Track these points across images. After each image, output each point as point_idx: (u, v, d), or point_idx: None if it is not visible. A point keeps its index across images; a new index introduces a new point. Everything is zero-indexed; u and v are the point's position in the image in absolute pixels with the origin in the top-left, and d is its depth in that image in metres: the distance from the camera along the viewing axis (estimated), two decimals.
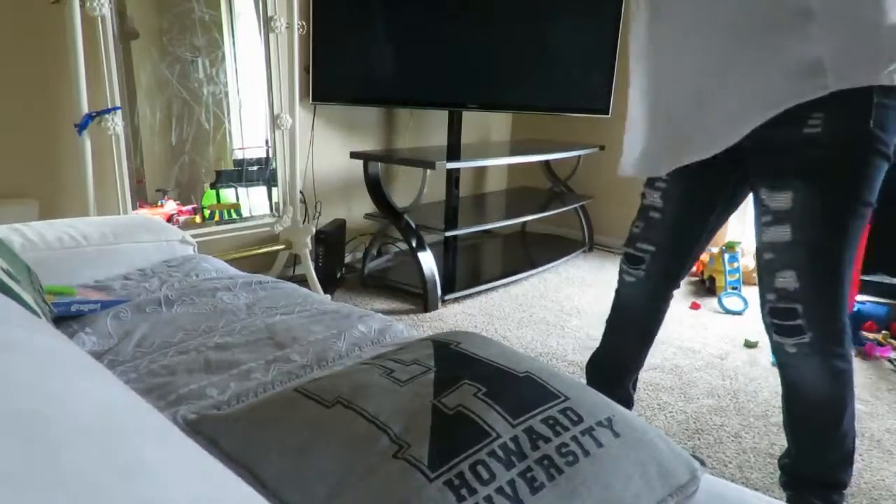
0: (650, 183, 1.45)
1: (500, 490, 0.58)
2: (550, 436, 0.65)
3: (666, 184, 1.41)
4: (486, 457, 0.61)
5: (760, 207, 1.26)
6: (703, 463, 0.74)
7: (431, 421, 0.66)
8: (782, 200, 1.20)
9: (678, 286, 1.53)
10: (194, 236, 1.71)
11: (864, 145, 1.12)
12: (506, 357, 0.80)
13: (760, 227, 1.26)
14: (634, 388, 1.71)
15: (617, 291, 1.59)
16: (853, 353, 1.27)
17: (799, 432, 1.36)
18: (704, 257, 3.17)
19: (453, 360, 0.78)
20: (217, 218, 2.43)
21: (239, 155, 2.51)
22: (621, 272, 1.55)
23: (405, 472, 0.60)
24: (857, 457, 1.42)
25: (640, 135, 1.40)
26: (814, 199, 1.17)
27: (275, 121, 2.51)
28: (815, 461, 1.34)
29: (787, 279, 1.21)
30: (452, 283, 2.91)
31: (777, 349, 1.29)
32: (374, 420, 0.66)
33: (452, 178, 3.18)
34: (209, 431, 0.75)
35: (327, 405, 0.70)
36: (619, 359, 1.64)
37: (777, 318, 1.25)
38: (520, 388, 0.72)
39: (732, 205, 1.45)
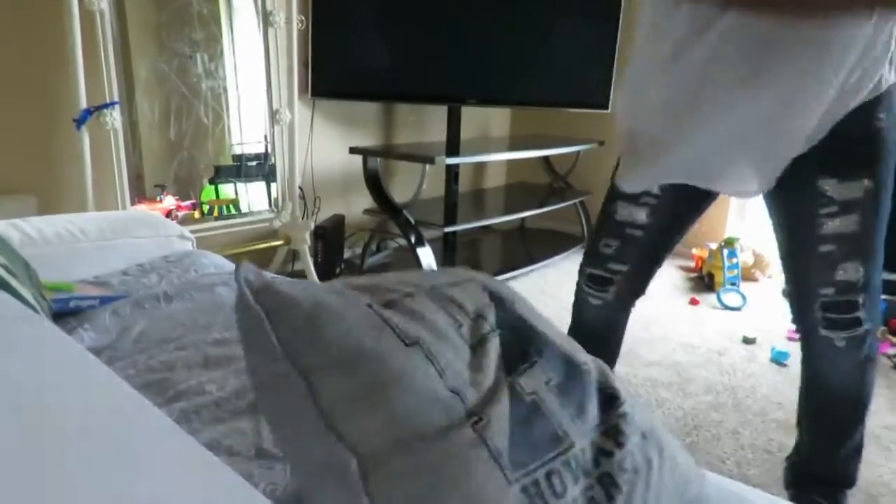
0: (632, 199, 1.34)
1: None
2: (613, 449, 0.60)
3: (657, 199, 1.32)
4: (561, 467, 0.56)
5: (820, 199, 1.20)
6: None
7: (510, 406, 0.57)
8: (855, 189, 1.17)
9: (645, 293, 1.46)
10: (193, 232, 1.71)
11: None
12: (562, 338, 0.69)
13: (818, 219, 1.20)
14: None
15: (578, 314, 1.49)
16: None
17: (819, 428, 1.35)
18: (703, 253, 3.17)
19: (515, 325, 0.66)
20: (216, 213, 2.43)
21: (238, 150, 2.51)
22: (585, 295, 1.44)
23: (486, 464, 0.52)
24: None
25: (676, 148, 1.26)
26: (878, 188, 1.18)
27: (274, 116, 2.51)
28: (830, 457, 1.34)
29: (851, 271, 1.19)
30: None
31: (820, 344, 1.24)
32: (450, 383, 0.55)
33: (452, 173, 3.17)
34: (269, 305, 0.57)
35: (406, 343, 0.56)
36: None
37: (833, 313, 1.21)
38: (584, 385, 0.64)
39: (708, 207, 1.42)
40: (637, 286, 1.43)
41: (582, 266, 1.46)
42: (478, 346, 0.59)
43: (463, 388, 0.54)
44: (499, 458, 0.51)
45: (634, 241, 1.36)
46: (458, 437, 0.51)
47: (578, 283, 1.47)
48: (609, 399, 0.63)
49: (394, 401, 0.52)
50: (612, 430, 0.60)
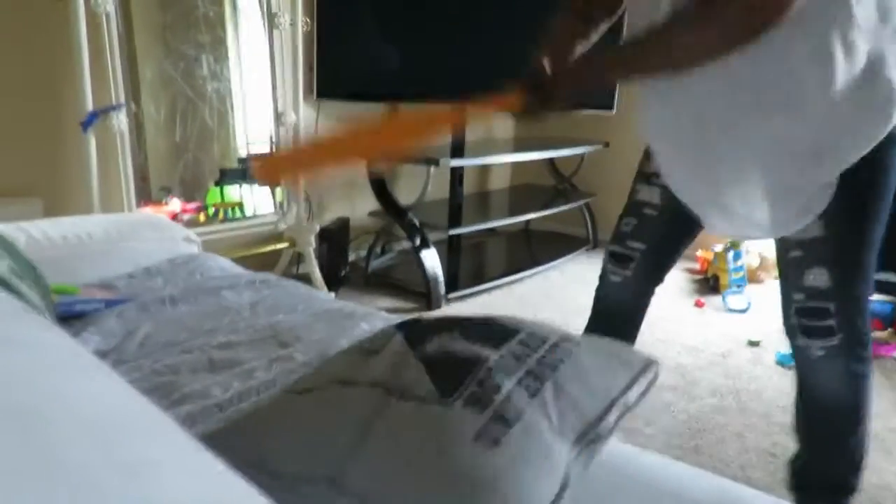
0: (647, 179, 1.39)
1: (508, 396, 0.65)
2: (529, 353, 0.73)
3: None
4: (487, 372, 0.67)
5: None
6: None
7: (424, 365, 0.71)
8: None
9: (663, 281, 1.49)
10: (198, 234, 1.72)
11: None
12: (464, 316, 0.85)
13: None
14: None
15: (600, 292, 1.52)
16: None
17: (813, 437, 1.34)
18: (708, 255, 3.16)
19: (418, 326, 0.83)
20: (221, 216, 2.44)
21: (243, 152, 2.52)
22: (606, 272, 1.48)
23: (419, 409, 0.65)
24: None
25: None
26: (851, 196, 1.14)
27: (279, 118, 2.51)
28: (828, 465, 1.32)
29: (818, 277, 1.17)
30: (456, 281, 2.91)
31: (801, 352, 1.24)
32: (368, 383, 0.71)
33: (456, 175, 3.17)
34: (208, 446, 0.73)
35: (321, 388, 0.74)
36: None
37: (806, 319, 1.20)
38: (488, 328, 0.79)
39: None
40: (657, 267, 1.45)
41: (607, 245, 1.50)
42: (383, 347, 0.78)
43: (380, 376, 0.71)
44: (428, 398, 0.66)
45: (649, 220, 1.39)
46: (395, 409, 0.66)
47: (603, 263, 1.50)
48: (513, 331, 0.79)
49: (324, 426, 0.68)
50: (522, 342, 0.76)
